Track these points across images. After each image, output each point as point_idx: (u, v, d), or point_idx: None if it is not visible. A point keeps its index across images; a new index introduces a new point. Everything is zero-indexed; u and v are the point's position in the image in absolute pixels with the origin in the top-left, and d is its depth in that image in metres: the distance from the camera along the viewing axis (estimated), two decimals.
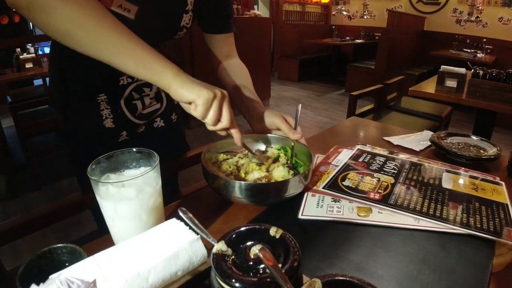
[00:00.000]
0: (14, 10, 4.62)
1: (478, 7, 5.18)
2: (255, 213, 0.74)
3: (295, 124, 0.88)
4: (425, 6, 5.99)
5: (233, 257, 0.39)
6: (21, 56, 3.31)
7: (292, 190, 0.72)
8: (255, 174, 0.78)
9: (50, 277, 0.33)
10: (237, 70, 1.04)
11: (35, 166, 2.77)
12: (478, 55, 4.81)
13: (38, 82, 4.53)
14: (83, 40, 0.61)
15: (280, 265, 0.37)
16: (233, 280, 0.35)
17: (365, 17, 6.44)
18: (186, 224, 0.50)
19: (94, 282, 0.29)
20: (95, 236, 0.69)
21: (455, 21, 5.72)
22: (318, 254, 0.62)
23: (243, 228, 0.43)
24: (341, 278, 0.34)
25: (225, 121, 0.69)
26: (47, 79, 3.97)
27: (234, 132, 0.73)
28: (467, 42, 5.47)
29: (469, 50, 5.13)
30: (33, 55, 3.40)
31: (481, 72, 2.25)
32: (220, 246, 0.39)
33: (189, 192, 1.17)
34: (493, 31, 5.31)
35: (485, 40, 5.11)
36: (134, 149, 0.62)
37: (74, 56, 0.84)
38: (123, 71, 0.65)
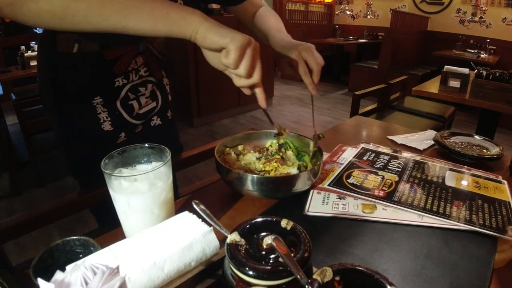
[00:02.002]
0: None
1: (482, 7, 5.18)
2: (262, 208, 0.76)
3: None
4: (429, 6, 5.98)
5: (246, 247, 0.41)
6: (25, 54, 3.32)
7: (301, 185, 0.74)
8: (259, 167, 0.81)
9: (75, 263, 0.34)
10: (261, 18, 1.02)
11: (39, 164, 2.79)
12: (481, 55, 4.81)
13: None
14: (88, 12, 0.55)
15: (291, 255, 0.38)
16: (247, 269, 0.36)
17: (368, 16, 6.45)
18: (199, 216, 0.51)
19: (118, 268, 0.30)
20: (99, 233, 0.70)
21: (458, 21, 5.71)
22: (324, 249, 0.63)
23: (255, 220, 0.44)
24: (351, 267, 0.35)
25: (256, 75, 0.62)
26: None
27: (259, 91, 0.67)
28: (471, 43, 5.47)
29: (472, 51, 5.13)
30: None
31: (484, 73, 2.26)
32: (234, 237, 0.41)
33: (192, 190, 1.18)
34: (497, 32, 5.30)
35: (488, 40, 5.11)
36: (147, 145, 0.63)
37: (65, 60, 0.83)
38: (140, 33, 0.59)
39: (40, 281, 0.29)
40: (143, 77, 0.94)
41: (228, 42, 0.57)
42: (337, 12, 7.20)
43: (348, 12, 6.81)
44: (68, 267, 0.35)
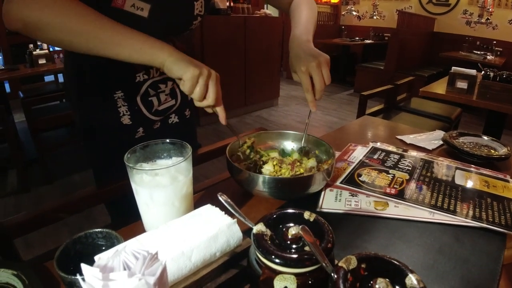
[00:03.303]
0: None
1: (489, 9, 5.17)
2: (275, 205, 0.78)
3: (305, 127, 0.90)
4: (435, 7, 5.97)
5: (272, 237, 0.43)
6: (34, 52, 3.35)
7: (316, 186, 0.75)
8: (269, 168, 0.81)
9: (114, 248, 0.36)
10: (295, 8, 1.04)
11: (47, 161, 2.82)
12: (488, 57, 4.80)
13: (49, 78, 4.58)
14: (79, 45, 0.67)
15: None
16: (274, 257, 0.38)
17: (374, 17, 6.44)
18: (221, 209, 0.53)
19: (157, 254, 0.32)
20: (113, 228, 0.71)
21: (465, 22, 5.70)
22: (338, 244, 0.64)
23: (280, 212, 0.46)
24: (374, 255, 0.37)
25: (210, 98, 0.71)
26: (59, 75, 4.00)
27: (219, 110, 0.76)
28: (477, 44, 5.46)
29: (479, 52, 5.12)
30: (46, 51, 3.45)
31: (491, 74, 2.27)
32: (259, 227, 0.43)
33: (201, 188, 1.20)
34: (503, 33, 5.29)
35: (495, 42, 5.10)
36: (168, 140, 0.66)
37: (89, 55, 0.87)
38: (120, 59, 0.69)
39: (83, 266, 0.31)
40: (164, 74, 0.96)
41: (182, 74, 0.68)
42: (343, 13, 7.20)
43: (354, 13, 6.80)
44: (102, 255, 0.36)
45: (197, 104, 0.74)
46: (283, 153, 0.92)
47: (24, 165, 2.77)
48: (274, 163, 0.82)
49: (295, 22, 0.98)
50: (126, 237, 0.53)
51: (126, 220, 0.73)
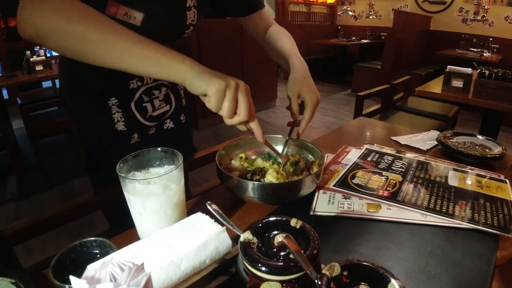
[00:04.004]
0: None
1: (484, 6, 5.19)
2: (269, 209, 0.78)
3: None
4: (431, 5, 5.99)
5: (258, 245, 0.43)
6: (31, 59, 3.36)
7: (306, 189, 0.75)
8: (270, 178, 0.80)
9: (101, 260, 0.37)
10: (274, 36, 1.04)
11: (46, 167, 2.83)
12: (484, 54, 4.82)
13: (46, 84, 4.59)
14: (93, 55, 0.64)
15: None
16: (260, 265, 0.39)
17: (371, 17, 6.47)
18: (211, 217, 0.54)
19: (143, 265, 0.33)
20: (111, 235, 0.71)
21: (461, 20, 5.72)
22: (330, 248, 0.65)
23: (266, 220, 0.47)
24: (357, 262, 0.38)
25: (242, 113, 0.64)
26: (57, 81, 4.01)
27: (254, 126, 0.69)
28: (473, 42, 5.47)
29: (475, 50, 5.13)
30: (43, 57, 3.47)
31: (487, 72, 2.27)
32: (246, 235, 0.43)
33: (200, 192, 1.20)
34: (499, 30, 5.30)
35: (491, 39, 5.12)
36: (159, 149, 0.66)
37: (84, 63, 0.88)
38: (138, 74, 0.65)
39: (72, 277, 0.32)
40: (158, 80, 0.97)
41: (207, 88, 0.61)
42: (339, 13, 7.23)
43: (350, 13, 6.83)
44: (90, 266, 0.37)
45: (228, 122, 0.65)
46: (269, 157, 0.92)
47: (24, 171, 2.78)
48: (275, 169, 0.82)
49: (285, 51, 0.98)
50: (121, 244, 0.53)
51: (124, 226, 0.73)
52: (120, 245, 0.54)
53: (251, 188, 0.71)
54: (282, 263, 0.39)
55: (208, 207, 0.53)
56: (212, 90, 0.60)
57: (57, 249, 0.58)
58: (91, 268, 0.34)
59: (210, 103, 0.62)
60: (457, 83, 2.35)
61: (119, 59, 0.63)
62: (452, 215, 0.73)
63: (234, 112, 0.64)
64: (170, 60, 0.63)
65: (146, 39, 0.64)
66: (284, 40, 1.01)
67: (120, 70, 0.65)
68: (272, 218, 0.47)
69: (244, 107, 0.63)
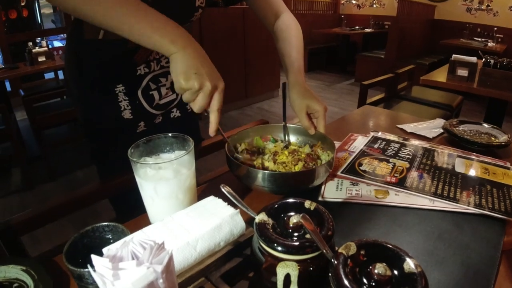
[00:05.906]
0: (22, 4, 4.69)
1: None
2: (277, 196, 0.78)
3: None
4: None
5: (273, 225, 0.44)
6: (33, 50, 3.35)
7: (319, 179, 0.75)
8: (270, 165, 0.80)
9: (122, 240, 0.37)
10: (282, 34, 1.04)
11: (50, 158, 2.84)
12: (489, 44, 4.77)
13: (49, 75, 4.59)
14: (103, 13, 0.64)
15: None
16: (276, 244, 0.40)
17: (374, 6, 6.41)
18: (224, 200, 0.55)
19: (163, 243, 0.34)
20: (118, 222, 0.72)
21: (465, 9, 5.66)
22: (339, 233, 0.65)
23: (281, 201, 0.48)
24: (372, 241, 0.39)
25: (213, 109, 0.69)
26: (59, 72, 4.01)
27: (213, 119, 0.72)
28: (478, 31, 5.42)
29: (479, 39, 5.08)
30: (45, 48, 3.44)
31: (492, 61, 2.26)
32: (262, 217, 0.44)
33: (203, 181, 1.20)
34: (504, 20, 5.25)
35: (496, 29, 5.06)
36: (170, 134, 0.67)
37: (92, 48, 0.86)
38: (134, 39, 0.66)
39: (93, 256, 0.32)
40: (164, 67, 0.97)
41: (183, 82, 0.64)
42: (342, 2, 7.16)
43: (353, 2, 6.76)
44: (105, 250, 0.37)
45: (193, 107, 0.69)
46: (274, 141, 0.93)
47: (28, 163, 2.79)
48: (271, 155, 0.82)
49: (288, 61, 0.99)
50: (132, 230, 0.54)
51: (131, 214, 0.74)
52: (131, 231, 0.55)
53: (260, 177, 0.70)
54: (298, 243, 0.40)
55: (222, 189, 0.54)
56: (187, 85, 0.64)
57: (62, 239, 0.58)
58: (113, 248, 0.34)
59: (184, 96, 0.66)
60: (462, 72, 2.34)
61: (118, 20, 0.64)
62: (459, 201, 0.74)
63: (204, 108, 0.68)
64: (169, 28, 0.66)
65: (149, 7, 0.66)
66: (291, 42, 1.01)
67: (117, 31, 0.65)
68: (286, 200, 0.48)
69: (216, 105, 0.69)
